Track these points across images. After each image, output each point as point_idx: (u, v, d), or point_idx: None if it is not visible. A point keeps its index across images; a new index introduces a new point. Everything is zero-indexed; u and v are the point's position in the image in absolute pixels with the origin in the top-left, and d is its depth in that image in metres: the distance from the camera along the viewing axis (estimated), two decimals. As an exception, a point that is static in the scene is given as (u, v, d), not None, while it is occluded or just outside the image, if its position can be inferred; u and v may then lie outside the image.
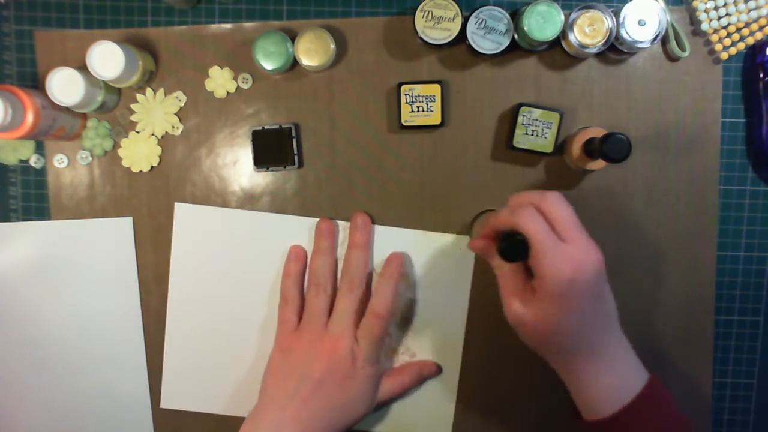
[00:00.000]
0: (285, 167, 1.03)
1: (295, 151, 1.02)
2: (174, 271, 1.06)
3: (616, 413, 0.83)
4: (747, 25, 1.02)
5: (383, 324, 1.00)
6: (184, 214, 1.05)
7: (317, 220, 1.04)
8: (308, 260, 1.06)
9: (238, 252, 1.05)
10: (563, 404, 0.91)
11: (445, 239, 1.05)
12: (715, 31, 1.02)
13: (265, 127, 1.02)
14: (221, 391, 1.08)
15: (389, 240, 1.05)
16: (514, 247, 0.82)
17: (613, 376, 0.85)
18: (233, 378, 1.08)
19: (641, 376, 0.86)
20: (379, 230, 1.05)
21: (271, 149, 1.02)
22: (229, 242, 1.05)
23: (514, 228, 0.83)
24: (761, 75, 1.01)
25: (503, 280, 0.88)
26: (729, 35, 1.02)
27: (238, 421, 1.00)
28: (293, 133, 1.02)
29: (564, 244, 0.81)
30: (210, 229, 1.05)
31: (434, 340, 1.07)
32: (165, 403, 1.08)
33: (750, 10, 1.02)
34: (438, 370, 1.07)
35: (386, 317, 1.00)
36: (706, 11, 1.01)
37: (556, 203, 0.84)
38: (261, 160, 1.03)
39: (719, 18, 1.01)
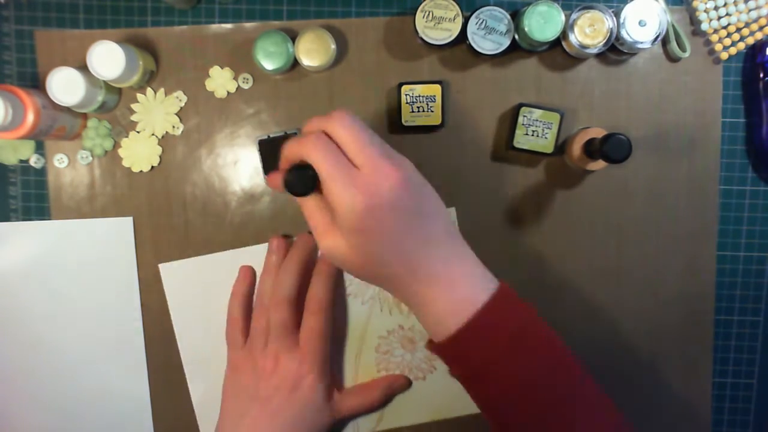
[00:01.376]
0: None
1: None
2: (178, 329, 1.06)
3: (460, 327, 0.77)
4: (747, 25, 1.02)
5: (320, 319, 0.98)
6: (170, 272, 1.06)
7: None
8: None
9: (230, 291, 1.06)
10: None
11: None
12: (715, 31, 1.02)
13: (271, 135, 1.02)
14: None
15: None
16: (299, 179, 0.77)
17: (454, 291, 0.79)
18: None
19: (489, 286, 0.80)
20: None
21: (278, 157, 1.02)
22: (222, 285, 1.05)
23: (303, 158, 0.78)
24: (761, 75, 1.01)
25: (308, 216, 0.82)
26: (729, 35, 1.02)
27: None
28: None
29: (356, 170, 0.76)
30: (200, 279, 1.06)
31: None
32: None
33: (750, 10, 1.02)
34: (408, 384, 1.07)
35: (322, 312, 0.99)
36: (706, 11, 1.01)
37: (342, 124, 0.77)
38: (270, 169, 1.03)
39: (719, 18, 1.02)
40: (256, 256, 1.05)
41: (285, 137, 1.02)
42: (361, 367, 1.08)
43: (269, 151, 1.03)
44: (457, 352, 0.80)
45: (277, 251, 1.03)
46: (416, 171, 0.81)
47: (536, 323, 0.81)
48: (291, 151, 0.80)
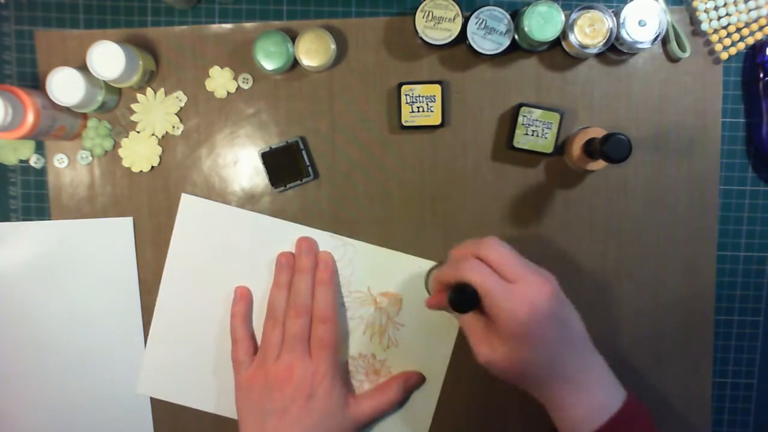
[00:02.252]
0: (302, 181, 1.03)
1: (308, 163, 1.02)
2: (171, 259, 1.06)
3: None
4: (747, 25, 1.02)
5: (330, 328, 1.01)
6: (189, 205, 1.05)
7: (319, 231, 1.05)
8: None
9: (236, 251, 1.05)
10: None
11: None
12: (715, 31, 1.02)
13: (272, 147, 1.02)
14: (201, 385, 1.07)
15: (379, 263, 1.06)
16: (463, 298, 0.83)
17: (589, 398, 0.85)
18: (213, 374, 1.08)
19: (618, 395, 0.86)
20: (369, 250, 1.06)
21: (283, 167, 1.03)
22: (229, 240, 1.05)
23: (461, 281, 0.84)
24: (761, 75, 1.01)
25: (467, 328, 0.89)
26: (729, 35, 1.02)
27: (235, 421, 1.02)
28: (302, 146, 1.02)
29: (512, 285, 0.83)
30: (212, 225, 1.05)
31: (415, 365, 1.08)
32: (141, 389, 1.07)
33: (750, 10, 1.02)
34: (422, 379, 1.07)
35: (330, 320, 1.01)
36: (706, 11, 1.01)
37: (493, 248, 0.85)
38: (277, 180, 1.03)
39: (719, 18, 1.02)
40: (274, 227, 1.06)
41: (286, 147, 1.02)
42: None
43: (273, 162, 1.03)
44: None
45: (287, 267, 1.04)
46: (558, 284, 0.86)
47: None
48: (447, 276, 0.87)
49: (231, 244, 1.05)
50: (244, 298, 1.06)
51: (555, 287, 0.84)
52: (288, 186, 1.03)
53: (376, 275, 1.06)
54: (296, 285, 1.03)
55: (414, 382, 1.07)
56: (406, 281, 1.06)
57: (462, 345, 1.06)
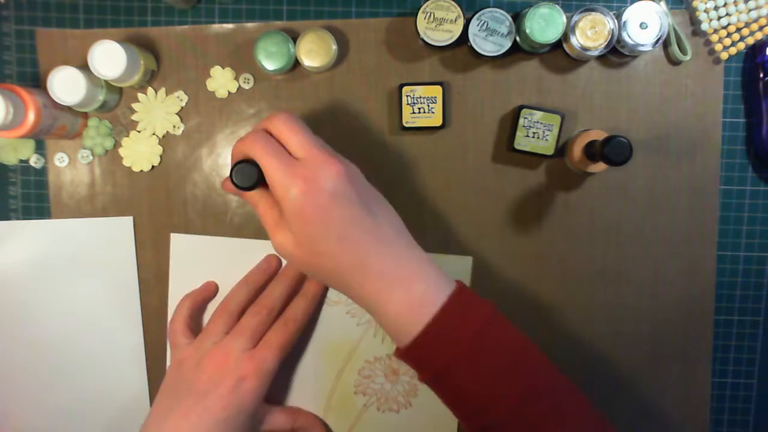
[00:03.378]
0: None
1: None
2: (172, 298, 1.06)
3: (420, 333, 0.78)
4: (747, 25, 1.02)
5: (288, 334, 0.97)
6: (179, 244, 1.05)
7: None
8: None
9: (233, 279, 1.04)
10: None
11: (444, 260, 1.05)
12: (715, 31, 1.02)
13: None
14: None
15: None
16: (243, 172, 0.81)
17: (411, 291, 0.79)
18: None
19: (447, 286, 0.81)
20: None
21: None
22: (226, 270, 1.05)
23: (248, 155, 0.81)
24: (761, 75, 1.01)
25: (260, 213, 0.85)
26: (729, 35, 1.02)
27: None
28: None
29: (295, 160, 0.80)
30: (206, 258, 1.05)
31: None
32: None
33: (750, 10, 1.02)
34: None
35: (292, 329, 0.98)
36: (706, 11, 1.01)
37: (283, 122, 0.82)
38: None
39: (719, 18, 1.02)
40: (265, 249, 1.05)
41: None
42: (339, 386, 1.07)
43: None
44: (421, 356, 0.80)
45: (266, 270, 1.03)
46: (362, 175, 0.84)
47: (497, 320, 0.81)
48: (237, 150, 0.84)
49: (228, 274, 1.05)
50: (206, 291, 1.04)
51: (345, 168, 0.80)
52: None
53: None
54: (272, 287, 1.01)
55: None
56: None
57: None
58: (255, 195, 0.85)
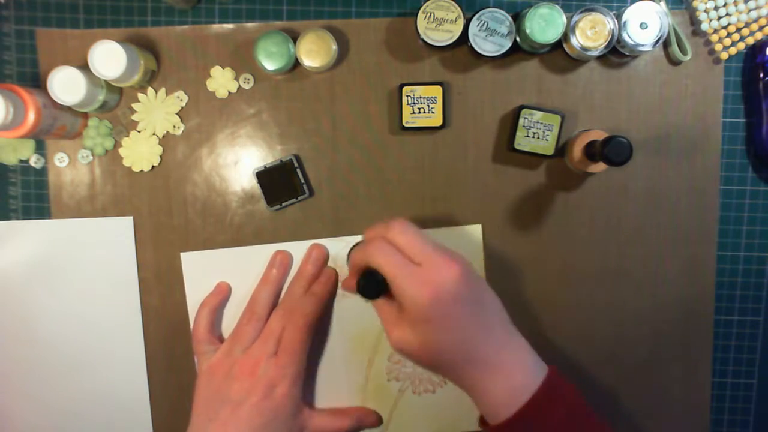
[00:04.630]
0: (297, 199, 1.03)
1: (302, 180, 1.03)
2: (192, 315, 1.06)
3: (515, 414, 0.81)
4: (747, 25, 1.03)
5: (302, 335, 1.00)
6: (190, 262, 1.06)
7: (321, 241, 1.06)
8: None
9: (249, 286, 1.05)
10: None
11: (454, 232, 1.05)
12: (715, 31, 1.02)
13: (267, 166, 1.03)
14: None
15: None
16: (369, 284, 0.84)
17: (509, 379, 0.83)
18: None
19: (539, 374, 0.84)
20: None
21: (279, 185, 1.03)
22: (240, 279, 1.06)
23: (368, 264, 0.84)
24: (761, 75, 1.02)
25: (380, 313, 0.88)
26: (729, 35, 1.02)
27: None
28: (296, 164, 1.03)
29: (417, 267, 0.82)
30: (219, 270, 1.06)
31: None
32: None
33: (750, 10, 1.02)
34: (378, 422, 1.07)
35: (306, 327, 1.00)
36: (706, 11, 1.01)
37: (399, 230, 0.85)
38: (273, 199, 1.03)
39: (719, 18, 1.02)
40: (269, 251, 1.06)
41: (281, 165, 1.03)
42: (372, 375, 1.08)
43: (268, 181, 1.03)
44: None
45: (280, 266, 1.05)
46: (470, 264, 0.85)
47: (581, 407, 0.86)
48: (358, 259, 0.87)
49: (240, 280, 1.06)
50: (220, 293, 1.06)
51: (463, 268, 0.82)
52: (283, 204, 1.03)
53: None
54: (292, 287, 1.03)
55: (369, 422, 1.07)
56: None
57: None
58: (378, 300, 0.88)
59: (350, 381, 1.08)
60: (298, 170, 1.02)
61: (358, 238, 1.05)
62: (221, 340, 1.04)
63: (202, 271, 1.06)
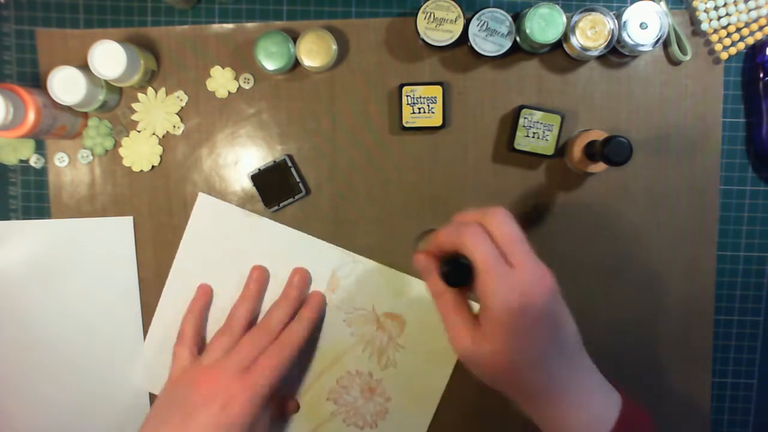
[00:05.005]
0: (294, 198, 1.03)
1: (298, 179, 1.02)
2: (180, 255, 1.06)
3: None
4: (747, 25, 1.03)
5: (283, 358, 0.97)
6: (204, 205, 1.05)
7: (330, 246, 1.05)
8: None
9: (244, 254, 1.05)
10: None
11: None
12: (715, 31, 1.02)
13: (261, 168, 1.03)
14: None
15: (386, 283, 1.06)
16: (458, 271, 0.77)
17: (586, 410, 0.78)
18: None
19: (614, 405, 0.80)
20: (377, 269, 1.06)
21: (274, 186, 1.03)
22: (239, 243, 1.06)
23: (458, 248, 0.77)
24: (761, 75, 1.02)
25: (446, 309, 0.81)
26: (729, 35, 1.02)
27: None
28: (290, 164, 1.03)
29: (511, 269, 0.75)
30: (225, 226, 1.05)
31: (411, 386, 1.07)
32: (138, 381, 1.08)
33: (750, 10, 1.02)
34: (296, 409, 1.07)
35: (287, 353, 0.97)
36: (706, 11, 1.01)
37: (503, 221, 0.77)
38: (270, 200, 1.03)
39: (719, 18, 1.02)
40: (285, 236, 1.06)
41: (274, 167, 1.03)
42: (315, 388, 1.08)
43: (263, 183, 1.03)
44: None
45: (257, 281, 1.04)
46: (556, 282, 0.78)
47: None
48: (447, 239, 0.79)
49: (241, 247, 1.06)
50: (203, 297, 1.05)
51: (554, 285, 0.76)
52: (281, 205, 1.03)
53: (382, 295, 1.06)
54: (274, 311, 1.02)
55: (289, 410, 1.07)
56: (413, 304, 1.06)
57: (460, 369, 1.05)
58: (448, 290, 0.81)
59: (292, 383, 1.08)
60: (293, 169, 1.02)
61: (357, 256, 1.05)
62: (201, 347, 1.03)
63: (209, 218, 1.05)
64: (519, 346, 0.75)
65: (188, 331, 1.03)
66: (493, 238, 0.76)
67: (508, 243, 0.76)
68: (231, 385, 0.93)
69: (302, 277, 1.04)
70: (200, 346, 1.03)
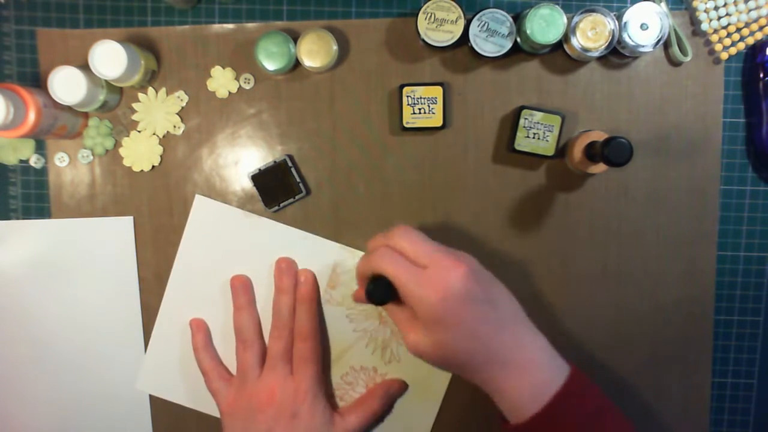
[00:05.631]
0: (295, 198, 1.03)
1: (298, 180, 1.02)
2: (180, 257, 1.05)
3: (538, 413, 0.81)
4: (747, 25, 1.03)
5: (311, 346, 1.01)
6: (201, 207, 1.05)
7: (329, 242, 1.05)
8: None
9: (244, 254, 1.05)
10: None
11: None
12: (715, 31, 1.02)
13: (261, 168, 1.03)
14: (201, 386, 1.05)
15: None
16: (378, 290, 0.86)
17: (529, 377, 0.83)
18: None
19: (561, 371, 0.84)
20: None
21: (275, 186, 1.03)
22: (239, 244, 1.05)
23: (376, 272, 0.86)
24: (761, 75, 1.02)
25: (393, 318, 0.90)
26: (729, 35, 1.02)
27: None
28: (290, 164, 1.02)
29: (423, 270, 0.83)
30: (223, 227, 1.05)
31: (418, 377, 1.08)
32: (141, 385, 1.07)
33: (750, 10, 1.02)
34: (404, 387, 1.07)
35: (311, 338, 1.01)
36: (706, 11, 1.01)
37: (402, 236, 0.86)
38: (270, 200, 1.03)
39: (719, 18, 1.02)
40: (284, 235, 1.05)
41: (275, 167, 1.03)
42: None
43: (263, 183, 1.03)
44: None
45: (243, 290, 1.04)
46: (478, 263, 0.86)
47: (605, 405, 0.86)
48: (364, 268, 0.89)
49: (240, 248, 1.05)
50: (200, 330, 1.05)
51: (470, 267, 0.83)
52: (281, 205, 1.03)
53: None
54: (277, 305, 1.03)
55: (396, 391, 1.06)
56: None
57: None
58: (389, 305, 0.89)
59: None
60: (293, 170, 1.02)
61: (356, 251, 1.05)
62: (228, 371, 1.05)
63: (207, 219, 1.05)
64: (451, 333, 0.83)
65: (208, 366, 1.04)
66: (402, 253, 0.86)
67: (414, 250, 0.85)
68: (287, 394, 0.99)
69: (287, 262, 1.04)
70: (226, 371, 1.05)
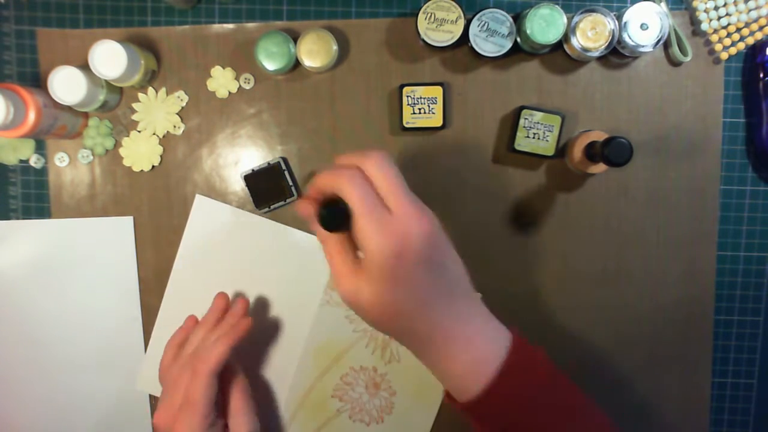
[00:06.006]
0: (286, 201, 1.03)
1: (290, 183, 1.03)
2: (181, 257, 1.06)
3: (482, 391, 0.76)
4: (747, 25, 1.03)
5: (203, 383, 0.93)
6: (201, 207, 1.05)
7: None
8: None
9: (244, 254, 1.06)
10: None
11: None
12: (715, 31, 1.02)
13: (255, 169, 1.03)
14: None
15: None
16: (335, 215, 0.73)
17: (470, 353, 0.77)
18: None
19: (503, 341, 0.78)
20: None
21: (267, 188, 1.03)
22: (238, 243, 1.06)
23: (336, 192, 0.74)
24: (761, 75, 1.02)
25: (330, 253, 0.77)
26: (729, 35, 1.03)
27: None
28: (284, 167, 1.03)
29: (389, 214, 0.73)
30: (223, 227, 1.05)
31: (416, 379, 1.08)
32: (141, 385, 1.07)
33: (750, 10, 1.02)
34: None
35: (205, 375, 0.94)
36: (706, 11, 1.01)
37: (381, 165, 0.75)
38: (261, 201, 1.04)
39: (719, 18, 1.02)
40: (283, 234, 1.05)
41: (268, 169, 1.03)
42: (319, 386, 1.08)
43: (256, 184, 1.03)
44: (485, 412, 0.79)
45: (216, 311, 1.02)
46: (440, 225, 0.77)
47: (552, 373, 0.81)
48: (324, 182, 0.76)
49: (239, 247, 1.06)
50: (187, 330, 1.03)
51: (434, 226, 0.75)
52: (272, 207, 1.04)
53: None
54: (192, 336, 1.00)
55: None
56: None
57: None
58: (331, 235, 0.78)
59: (296, 382, 1.08)
60: (286, 173, 1.02)
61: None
62: None
63: (207, 219, 1.05)
64: (398, 290, 0.74)
65: (168, 363, 1.00)
66: (372, 182, 0.74)
67: (386, 187, 0.74)
68: (173, 428, 0.93)
69: (221, 301, 1.03)
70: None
